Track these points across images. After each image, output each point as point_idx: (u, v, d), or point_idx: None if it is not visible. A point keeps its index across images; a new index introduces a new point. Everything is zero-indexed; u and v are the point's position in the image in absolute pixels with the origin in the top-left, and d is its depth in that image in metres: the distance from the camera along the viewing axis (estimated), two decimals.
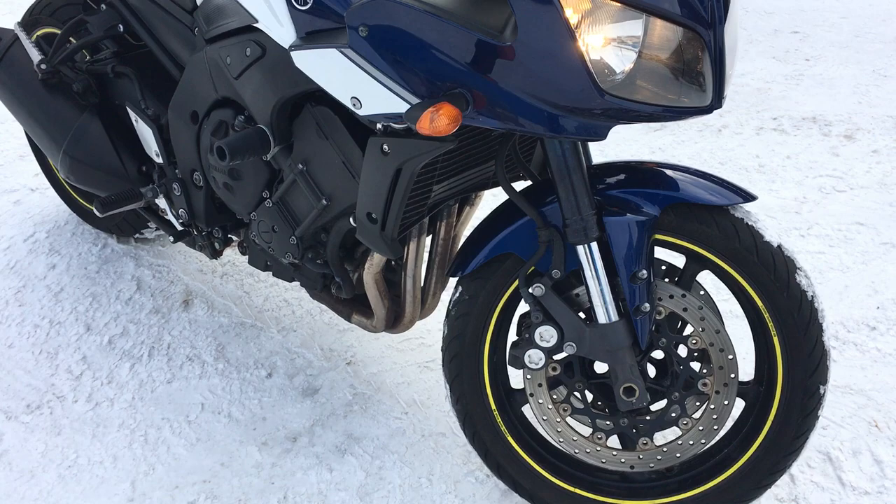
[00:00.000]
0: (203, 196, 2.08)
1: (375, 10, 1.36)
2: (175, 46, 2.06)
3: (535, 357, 1.64)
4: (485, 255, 1.66)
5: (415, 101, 1.41)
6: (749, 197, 1.54)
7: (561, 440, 1.73)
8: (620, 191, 1.57)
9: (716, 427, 1.64)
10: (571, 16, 1.25)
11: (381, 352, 2.36)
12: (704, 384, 1.63)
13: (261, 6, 1.65)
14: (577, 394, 1.72)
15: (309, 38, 1.56)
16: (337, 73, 1.50)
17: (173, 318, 2.49)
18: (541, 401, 1.72)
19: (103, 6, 2.19)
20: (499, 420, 1.77)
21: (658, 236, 1.55)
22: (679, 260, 1.64)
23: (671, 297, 1.59)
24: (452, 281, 1.81)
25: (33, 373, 2.31)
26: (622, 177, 1.60)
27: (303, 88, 1.68)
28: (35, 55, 2.25)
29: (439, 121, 1.34)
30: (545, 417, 1.73)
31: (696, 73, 1.31)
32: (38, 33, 2.44)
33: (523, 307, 1.72)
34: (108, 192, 2.28)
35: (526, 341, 1.65)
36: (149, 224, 2.61)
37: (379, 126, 1.57)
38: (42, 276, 2.68)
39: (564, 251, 1.59)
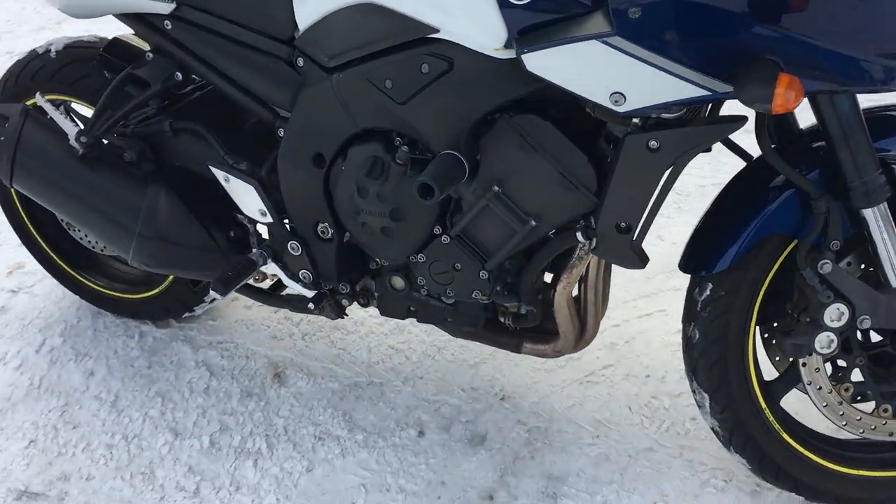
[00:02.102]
0: (333, 249, 1.78)
1: None
2: (263, 86, 1.73)
3: (824, 341, 1.50)
4: (747, 242, 1.49)
5: (713, 82, 1.23)
6: None
7: (845, 423, 1.60)
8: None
9: None
10: None
11: (529, 378, 2.14)
12: None
13: (448, 11, 1.39)
14: (857, 369, 1.59)
15: (524, 37, 1.32)
16: (592, 68, 1.28)
17: (273, 398, 2.15)
18: (820, 387, 1.57)
19: (149, 55, 1.82)
20: (772, 420, 1.62)
21: None
22: None
23: None
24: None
25: (136, 503, 1.92)
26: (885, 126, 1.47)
27: (509, 98, 1.45)
28: (69, 127, 1.85)
29: (788, 95, 1.16)
30: (825, 403, 1.59)
31: None
32: (34, 102, 2.01)
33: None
34: (195, 271, 1.93)
35: (809, 326, 1.50)
36: (204, 298, 2.24)
37: (636, 121, 1.36)
38: (83, 387, 2.24)
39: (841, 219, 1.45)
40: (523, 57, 1.32)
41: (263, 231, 1.89)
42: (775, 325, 1.65)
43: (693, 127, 1.34)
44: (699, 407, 1.66)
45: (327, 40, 1.58)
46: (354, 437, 2.02)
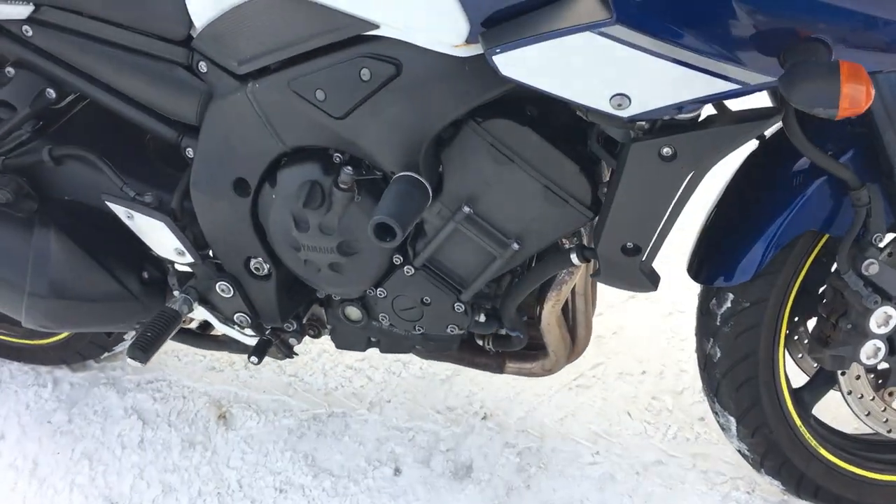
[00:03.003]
0: (272, 286, 1.47)
1: None
2: (159, 97, 1.39)
3: (870, 350, 1.29)
4: (774, 245, 1.25)
5: (745, 72, 0.95)
6: None
7: (889, 430, 1.39)
8: None
9: None
10: None
11: (511, 388, 1.89)
12: None
13: (396, 2, 1.07)
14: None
15: (492, 31, 1.03)
16: (587, 67, 1.00)
17: (220, 445, 1.86)
18: (861, 395, 1.35)
19: (9, 70, 1.45)
20: (808, 437, 1.40)
21: None
22: None
23: None
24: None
25: None
26: None
27: (475, 103, 1.15)
28: None
29: (857, 92, 0.89)
30: (867, 412, 1.38)
31: None
32: None
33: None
34: (106, 325, 1.60)
35: (852, 334, 1.27)
36: (124, 336, 1.91)
37: (643, 124, 1.08)
38: None
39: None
40: (495, 59, 1.02)
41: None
42: (796, 318, 1.42)
43: (716, 127, 1.06)
44: (723, 430, 1.44)
45: (234, 41, 1.24)
46: (321, 483, 1.76)
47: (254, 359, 1.54)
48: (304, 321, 1.60)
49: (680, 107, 1.02)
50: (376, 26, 1.11)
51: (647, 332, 1.95)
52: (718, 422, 1.44)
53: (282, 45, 1.20)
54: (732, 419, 1.40)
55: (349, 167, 1.26)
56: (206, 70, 1.30)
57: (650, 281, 1.23)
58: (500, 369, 1.62)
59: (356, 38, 1.14)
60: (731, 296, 1.32)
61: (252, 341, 1.58)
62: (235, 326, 1.54)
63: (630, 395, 1.84)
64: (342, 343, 1.62)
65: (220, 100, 1.30)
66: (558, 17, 1.00)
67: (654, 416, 1.79)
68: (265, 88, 1.24)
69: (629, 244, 1.19)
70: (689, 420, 1.76)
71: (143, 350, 1.42)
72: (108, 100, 1.42)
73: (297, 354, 1.62)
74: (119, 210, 1.45)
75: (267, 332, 1.55)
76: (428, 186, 1.20)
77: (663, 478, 1.67)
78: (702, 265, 1.32)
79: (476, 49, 1.07)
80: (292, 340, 1.60)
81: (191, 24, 1.27)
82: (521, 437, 1.79)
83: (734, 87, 0.98)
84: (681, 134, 1.07)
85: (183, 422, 1.92)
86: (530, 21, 1.02)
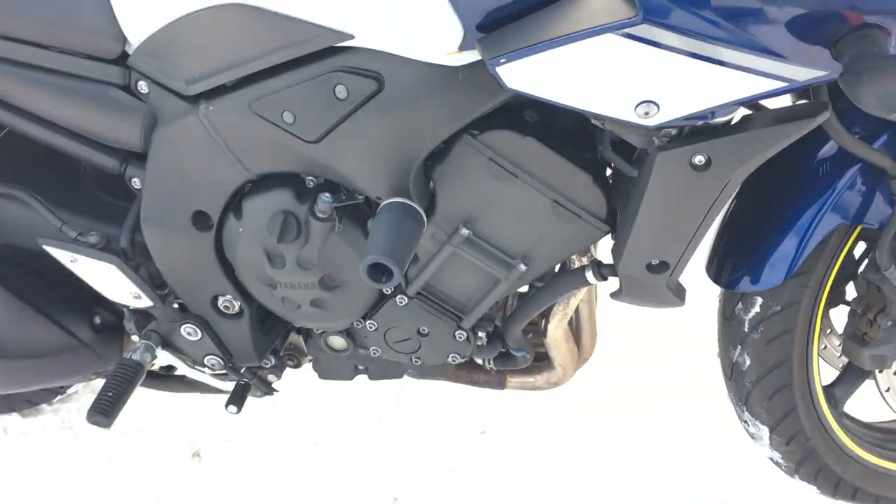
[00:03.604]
0: (246, 325, 1.31)
1: None
2: (94, 123, 1.20)
3: None
4: (807, 243, 1.12)
5: (793, 68, 0.81)
6: None
7: None
8: None
9: None
10: None
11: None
12: None
13: (366, 6, 0.91)
14: None
15: (491, 37, 0.87)
16: (608, 73, 0.84)
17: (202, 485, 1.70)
18: None
19: None
20: (844, 438, 1.30)
21: None
22: None
23: None
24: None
25: None
26: None
27: (471, 117, 1.00)
28: None
29: None
30: None
31: None
32: None
33: None
34: (57, 380, 1.43)
35: (893, 332, 1.16)
36: None
37: (671, 131, 0.93)
38: None
39: None
40: (499, 70, 0.86)
41: None
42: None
43: (754, 130, 0.93)
44: (752, 438, 1.33)
45: (179, 57, 1.06)
46: None
47: (232, 408, 1.38)
48: (282, 353, 1.44)
49: (714, 111, 0.88)
50: (350, 36, 0.94)
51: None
52: (748, 431, 1.33)
53: (238, 62, 1.03)
54: (765, 429, 1.29)
55: (326, 194, 1.10)
56: (147, 91, 1.11)
57: (677, 296, 1.10)
58: (501, 385, 1.49)
59: (328, 50, 0.97)
60: (759, 300, 1.20)
61: (226, 384, 1.42)
62: (207, 370, 1.37)
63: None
64: (326, 373, 1.47)
65: (167, 124, 1.12)
66: (568, 18, 0.84)
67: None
68: (221, 111, 1.07)
69: (655, 261, 1.05)
70: None
71: (104, 413, 1.24)
72: (35, 130, 1.22)
73: (276, 391, 1.46)
74: (59, 254, 1.27)
75: (242, 372, 1.39)
76: (422, 213, 1.05)
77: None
78: (723, 266, 1.19)
79: (471, 56, 0.92)
80: (271, 377, 1.44)
81: (124, 40, 1.08)
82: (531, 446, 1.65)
83: (779, 84, 0.84)
84: (714, 139, 0.93)
85: (155, 460, 1.75)
86: (535, 24, 0.86)
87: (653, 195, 0.98)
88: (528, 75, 0.86)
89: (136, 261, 1.27)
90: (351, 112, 1.00)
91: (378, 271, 0.99)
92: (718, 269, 1.19)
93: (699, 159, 0.94)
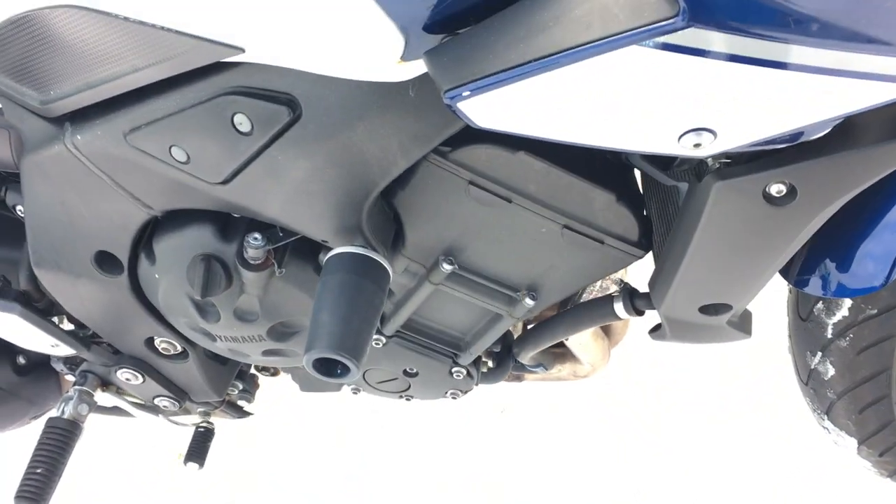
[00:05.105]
0: (196, 362, 1.05)
1: None
2: None
3: None
4: None
5: None
6: None
7: None
8: None
9: None
10: None
11: None
12: None
13: (267, 10, 0.58)
14: None
15: (446, 54, 0.53)
16: (637, 97, 0.52)
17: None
18: None
19: None
20: None
21: None
22: None
23: None
24: None
25: None
26: None
27: (431, 143, 0.69)
28: None
29: None
30: None
31: None
32: None
33: None
34: None
35: None
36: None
37: (724, 159, 0.62)
38: None
39: None
40: (461, 107, 0.54)
41: None
42: None
43: (856, 150, 0.61)
44: (836, 444, 1.07)
45: (24, 70, 0.74)
46: None
47: (192, 465, 1.14)
48: (251, 372, 1.19)
49: (800, 132, 0.56)
50: (239, 50, 0.62)
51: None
52: (829, 436, 1.07)
53: (95, 80, 0.71)
54: (852, 440, 1.03)
55: (256, 234, 0.80)
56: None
57: (741, 330, 0.81)
58: (518, 379, 1.24)
59: (212, 68, 0.65)
60: (847, 301, 0.90)
61: (188, 416, 1.18)
62: (161, 415, 1.13)
63: None
64: (307, 385, 1.22)
65: (35, 150, 0.82)
66: (564, 21, 0.52)
67: None
68: (91, 140, 0.76)
69: (713, 304, 0.76)
70: None
71: (33, 499, 1.01)
72: None
73: (251, 414, 1.22)
74: None
75: (201, 410, 1.15)
76: (384, 264, 0.75)
77: None
78: (796, 260, 0.89)
79: (417, 68, 0.60)
80: (242, 402, 1.20)
81: None
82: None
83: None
84: (799, 163, 0.61)
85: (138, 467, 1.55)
86: (512, 32, 0.54)
87: (709, 231, 0.67)
88: (508, 110, 0.55)
89: (43, 302, 1.01)
90: (263, 148, 0.69)
91: (330, 364, 0.71)
92: (801, 271, 0.89)
93: (778, 189, 0.63)
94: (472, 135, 0.72)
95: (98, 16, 0.65)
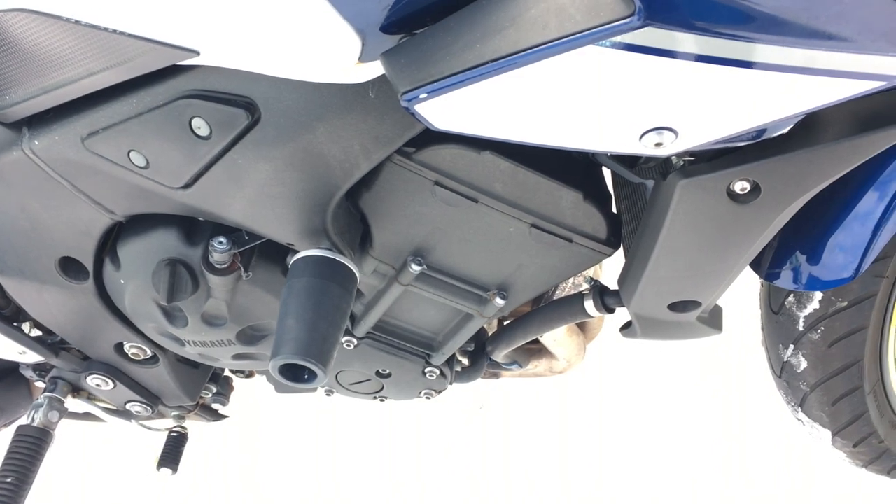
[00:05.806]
0: (166, 367, 1.04)
1: None
2: None
3: None
4: (881, 229, 0.81)
5: (874, 60, 0.50)
6: None
7: None
8: None
9: None
10: None
11: None
12: None
13: (221, 11, 0.57)
14: None
15: (403, 55, 0.53)
16: (593, 97, 0.51)
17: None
18: None
19: None
20: None
21: None
22: None
23: None
24: None
25: None
26: None
27: (393, 145, 0.68)
28: None
29: None
30: None
31: None
32: None
33: None
34: None
35: None
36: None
37: (688, 157, 0.62)
38: None
39: None
40: (419, 109, 0.54)
41: None
42: None
43: (820, 146, 0.60)
44: (810, 436, 1.07)
45: None
46: None
47: (166, 470, 1.13)
48: (225, 374, 1.18)
49: (762, 129, 0.56)
50: (194, 53, 0.61)
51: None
52: (803, 427, 1.08)
53: (49, 85, 0.70)
54: (826, 431, 1.03)
55: (221, 238, 0.79)
56: None
57: (711, 326, 0.81)
58: (495, 376, 1.23)
59: (171, 70, 0.64)
60: (818, 294, 0.90)
61: (162, 421, 1.17)
62: (133, 420, 1.12)
63: None
64: (282, 387, 1.21)
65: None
66: (519, 22, 0.51)
67: None
68: (49, 145, 0.75)
69: (680, 300, 0.76)
70: None
71: None
72: None
73: (226, 416, 1.21)
74: None
75: (175, 414, 1.13)
76: (350, 266, 0.75)
77: None
78: (772, 255, 0.89)
79: (373, 70, 0.59)
80: (217, 405, 1.19)
81: None
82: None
83: (876, 84, 0.52)
84: (762, 160, 0.61)
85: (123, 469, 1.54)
86: (468, 32, 0.53)
87: (674, 229, 0.67)
88: (466, 112, 0.54)
89: (9, 309, 0.99)
90: (223, 152, 0.68)
91: (297, 370, 0.70)
92: (765, 258, 0.89)
93: (742, 186, 0.63)
94: (437, 135, 0.71)
95: (49, 19, 0.64)
